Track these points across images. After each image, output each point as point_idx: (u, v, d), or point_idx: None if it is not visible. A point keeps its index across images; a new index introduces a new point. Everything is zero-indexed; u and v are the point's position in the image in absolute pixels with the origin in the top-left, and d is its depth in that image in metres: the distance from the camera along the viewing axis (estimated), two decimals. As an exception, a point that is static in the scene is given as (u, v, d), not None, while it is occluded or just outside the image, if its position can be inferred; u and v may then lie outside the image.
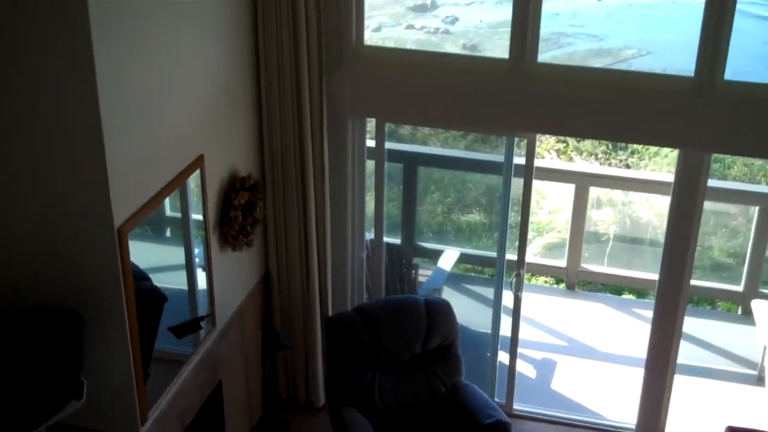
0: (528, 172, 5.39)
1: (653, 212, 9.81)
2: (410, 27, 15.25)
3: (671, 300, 5.33)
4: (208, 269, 4.75)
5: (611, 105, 4.97)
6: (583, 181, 7.42)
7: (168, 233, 4.74)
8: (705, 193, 5.08)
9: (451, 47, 15.51)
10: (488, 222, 9.43)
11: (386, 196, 5.81)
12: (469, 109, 5.23)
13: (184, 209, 4.50)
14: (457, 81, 5.18)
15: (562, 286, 8.01)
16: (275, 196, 5.36)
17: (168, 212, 4.49)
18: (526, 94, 5.08)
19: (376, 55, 5.41)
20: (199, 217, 4.63)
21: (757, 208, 6.91)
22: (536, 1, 4.93)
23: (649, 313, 5.55)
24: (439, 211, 9.54)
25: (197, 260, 4.70)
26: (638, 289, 8.26)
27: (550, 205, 10.24)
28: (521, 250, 5.60)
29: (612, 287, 8.35)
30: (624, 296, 8.24)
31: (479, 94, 5.15)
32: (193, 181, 4.45)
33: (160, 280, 4.37)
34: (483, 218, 9.46)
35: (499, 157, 5.97)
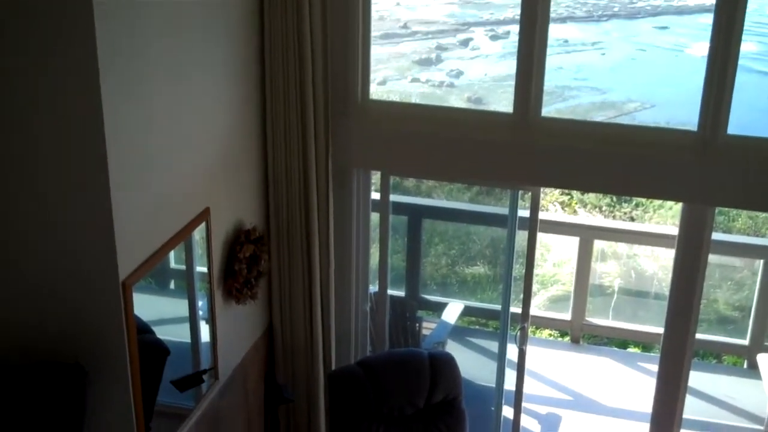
0: (532, 225, 5.39)
1: (658, 265, 9.80)
2: (415, 80, 15.40)
3: (677, 354, 5.30)
4: (211, 322, 4.74)
5: (615, 158, 5.00)
6: (587, 234, 7.43)
7: (172, 285, 4.73)
8: (709, 246, 5.08)
9: (456, 100, 15.64)
10: (493, 274, 9.43)
11: (390, 248, 5.81)
12: (473, 162, 5.25)
13: (189, 262, 4.50)
14: (461, 134, 5.22)
15: (567, 339, 7.97)
16: (280, 249, 5.36)
17: (172, 264, 4.49)
18: (530, 148, 5.11)
19: (381, 109, 5.46)
20: (204, 269, 4.62)
21: (762, 261, 6.90)
22: (540, 56, 4.98)
23: (655, 367, 5.51)
24: (444, 264, 9.55)
25: (201, 313, 4.68)
26: (644, 342, 8.22)
27: (555, 258, 10.25)
28: (526, 303, 5.58)
29: (617, 341, 8.31)
30: (629, 350, 8.19)
31: (483, 147, 5.19)
32: (198, 233, 4.46)
33: (163, 333, 4.35)
34: (487, 270, 9.46)
35: (503, 210, 6.00)
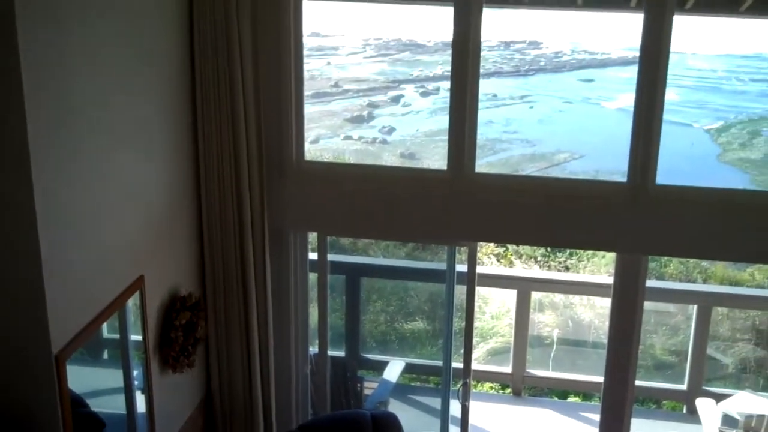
0: (470, 280, 5.41)
1: (594, 313, 9.91)
2: (348, 138, 15.51)
3: (618, 402, 5.33)
4: (148, 392, 4.60)
5: (549, 211, 5.07)
6: (525, 286, 7.48)
7: (105, 355, 4.60)
8: (644, 294, 5.15)
9: (389, 156, 15.76)
10: (432, 329, 9.41)
11: (329, 308, 5.75)
12: (410, 219, 5.27)
13: (123, 331, 4.38)
14: (397, 192, 5.24)
15: (508, 392, 7.96)
16: (217, 314, 5.27)
17: (105, 334, 4.36)
18: (465, 204, 5.16)
19: (316, 169, 5.46)
20: (138, 337, 4.51)
21: (695, 306, 7.02)
22: (472, 113, 5.06)
23: (596, 416, 5.53)
24: (382, 320, 9.51)
25: (136, 383, 4.55)
26: (583, 392, 8.26)
27: (493, 310, 10.29)
28: (467, 359, 5.56)
29: (557, 391, 8.33)
30: (569, 400, 8.21)
31: (419, 204, 5.21)
32: (132, 300, 4.35)
33: (97, 405, 4.21)
34: (426, 325, 9.45)
35: (441, 266, 5.99)
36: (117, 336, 4.40)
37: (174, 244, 4.89)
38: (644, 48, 4.81)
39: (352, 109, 16.12)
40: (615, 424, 5.37)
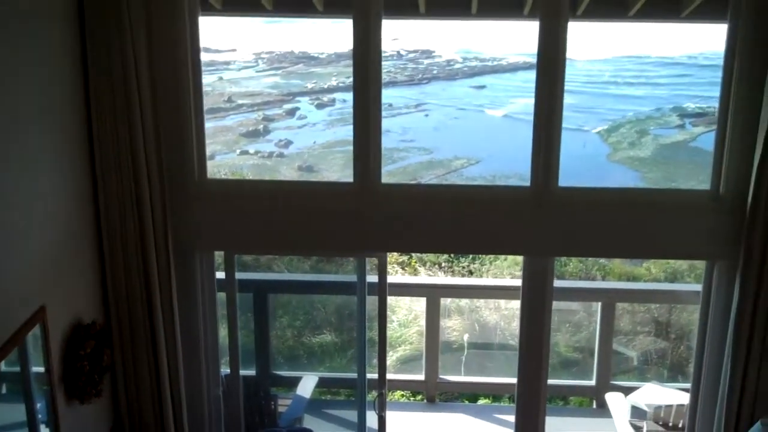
0: (382, 290, 5.40)
1: (499, 315, 10.06)
2: (244, 153, 15.37)
3: (532, 401, 5.41)
4: (54, 426, 4.42)
5: (456, 219, 5.11)
6: (433, 293, 7.51)
7: (4, 389, 4.38)
8: (552, 294, 5.25)
9: (287, 170, 15.66)
10: (340, 341, 9.38)
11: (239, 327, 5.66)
12: (318, 233, 5.23)
13: (24, 363, 4.18)
14: (304, 207, 5.19)
15: (420, 398, 7.99)
16: (123, 341, 5.10)
17: (3, 367, 4.16)
18: (373, 215, 5.15)
19: (220, 187, 5.37)
20: (41, 369, 4.32)
21: (600, 303, 7.19)
22: (376, 123, 5.05)
23: (508, 417, 5.58)
24: (290, 336, 9.42)
25: (40, 416, 4.36)
26: (494, 393, 8.35)
27: (399, 318, 10.33)
28: (382, 369, 5.55)
29: (467, 395, 8.39)
30: (480, 402, 8.29)
31: (327, 218, 5.18)
32: (34, 332, 4.16)
33: (-1, 442, 4.01)
34: (335, 338, 9.41)
35: (350, 277, 5.96)
36: (17, 369, 4.20)
37: (75, 271, 4.72)
38: (541, 54, 4.89)
39: (247, 123, 15.99)
40: (531, 423, 5.45)
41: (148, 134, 4.85)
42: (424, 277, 10.52)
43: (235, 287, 5.47)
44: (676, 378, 8.78)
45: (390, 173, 11.59)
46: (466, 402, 8.30)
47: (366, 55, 4.97)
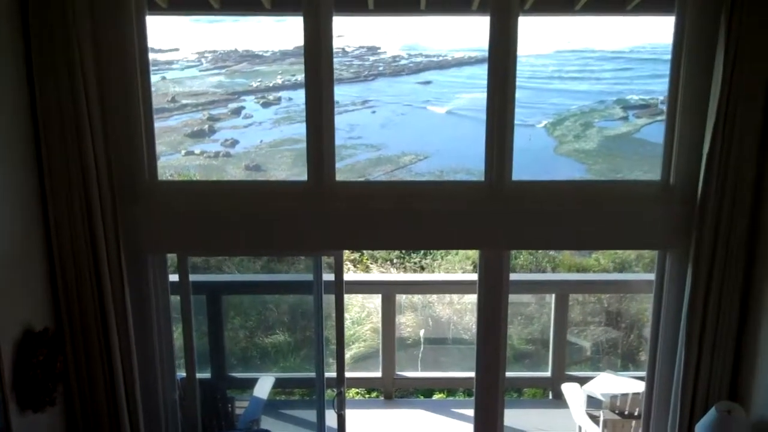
0: (338, 289, 5.37)
1: (452, 310, 10.11)
2: (190, 153, 15.18)
3: (491, 395, 5.43)
4: (7, 436, 4.33)
5: (411, 215, 5.10)
6: (390, 290, 7.51)
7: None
8: (509, 287, 5.28)
9: (234, 170, 15.53)
10: (293, 341, 9.34)
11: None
12: (272, 233, 5.18)
13: (-25, 374, 4.09)
14: (258, 207, 5.14)
15: (374, 395, 7.99)
16: (76, 347, 4.99)
17: (-49, 379, 4.06)
18: (328, 213, 5.12)
19: (171, 188, 5.29)
20: (-7, 380, 4.22)
21: (553, 295, 7.25)
22: (329, 121, 5.04)
23: (465, 411, 5.59)
24: (242, 337, 9.35)
25: (-8, 427, 4.26)
26: (449, 388, 8.38)
27: (353, 315, 10.32)
28: (340, 368, 5.52)
29: (422, 390, 8.41)
30: (435, 397, 8.31)
31: (281, 217, 5.13)
32: (-16, 342, 4.07)
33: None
34: (287, 337, 9.36)
35: (306, 277, 5.93)
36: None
37: (24, 278, 4.60)
38: (492, 50, 4.91)
39: (192, 123, 15.82)
40: (489, 416, 5.47)
41: (97, 136, 4.75)
42: (379, 274, 10.52)
43: (189, 290, 5.40)
44: (628, 367, 8.92)
45: (338, 171, 11.52)
46: (422, 398, 8.32)
47: (317, 53, 4.93)
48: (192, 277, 5.50)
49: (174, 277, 5.45)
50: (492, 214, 5.09)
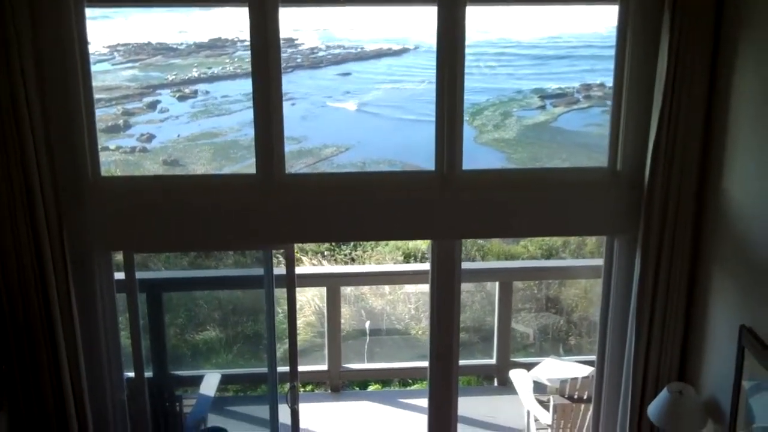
0: (290, 282, 5.34)
1: (384, 301, 10.14)
2: (105, 149, 14.76)
3: (445, 383, 5.47)
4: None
5: (362, 206, 5.10)
6: (333, 282, 7.48)
7: None
8: (460, 276, 5.32)
9: (151, 165, 15.21)
10: (224, 336, 9.21)
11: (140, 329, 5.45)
12: (221, 228, 5.10)
13: None
14: (205, 201, 5.05)
15: (311, 389, 7.96)
16: (21, 350, 4.82)
17: None
18: (277, 206, 5.07)
19: (115, 185, 5.17)
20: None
21: (497, 283, 7.33)
22: (277, 113, 4.99)
23: (411, 401, 5.51)
24: (172, 334, 9.17)
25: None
26: (383, 379, 8.38)
27: (285, 309, 10.23)
28: (293, 362, 5.47)
29: (357, 382, 8.37)
30: (370, 389, 8.30)
31: (230, 211, 5.06)
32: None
33: None
34: (219, 333, 9.23)
35: (257, 271, 5.86)
36: None
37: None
38: (440, 40, 4.93)
39: (106, 119, 15.40)
40: (445, 405, 5.52)
41: (38, 133, 4.61)
42: (326, 267, 10.47)
43: (136, 288, 5.28)
44: (571, 351, 9.09)
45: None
46: (357, 389, 8.30)
47: (264, 43, 4.89)
48: (137, 275, 5.37)
49: (119, 276, 5.31)
50: (444, 203, 5.12)
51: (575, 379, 6.17)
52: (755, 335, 4.24)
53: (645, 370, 5.10)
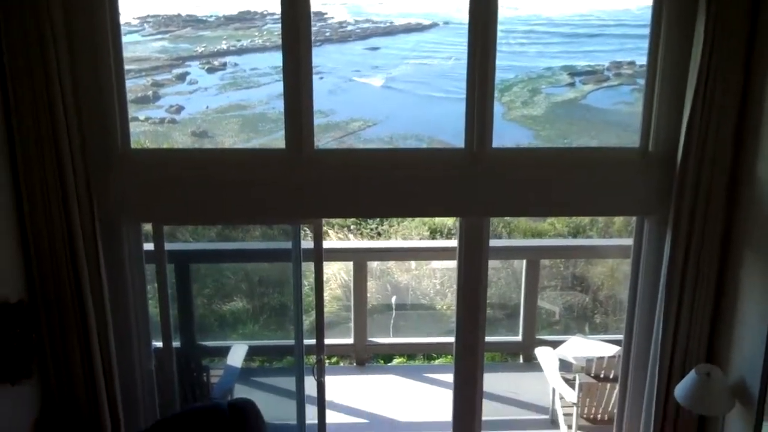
0: (318, 257, 5.36)
1: (410, 276, 10.14)
2: (134, 119, 14.83)
3: (470, 360, 5.48)
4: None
5: (391, 182, 5.09)
6: (360, 257, 7.49)
7: None
8: (488, 253, 5.30)
9: (180, 136, 15.27)
10: (251, 308, 9.29)
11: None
12: (250, 202, 5.12)
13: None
14: (233, 175, 5.07)
15: (348, 362, 8.00)
16: (50, 319, 4.88)
17: None
18: (306, 181, 5.08)
19: (145, 157, 5.20)
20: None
21: (524, 261, 7.31)
22: (307, 89, 4.98)
23: (435, 375, 5.50)
24: (199, 304, 9.25)
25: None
26: (408, 353, 8.41)
27: (312, 282, 10.27)
28: (319, 336, 5.50)
29: (383, 356, 8.42)
30: (394, 363, 8.33)
31: (259, 185, 5.08)
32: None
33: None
34: (246, 304, 9.30)
35: (285, 245, 5.88)
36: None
37: (-3, 250, 4.48)
38: (472, 15, 4.88)
39: (136, 90, 15.44)
40: (470, 381, 5.53)
41: (68, 104, 4.63)
42: (353, 242, 10.49)
43: (164, 259, 5.32)
44: (596, 330, 9.07)
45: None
46: (382, 363, 8.35)
47: (295, 16, 4.86)
48: (166, 246, 5.41)
49: (148, 246, 5.35)
50: (473, 181, 5.10)
51: (601, 358, 6.15)
52: (786, 319, 4.20)
53: (673, 351, 5.08)
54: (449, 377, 5.78)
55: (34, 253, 4.78)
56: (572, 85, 15.73)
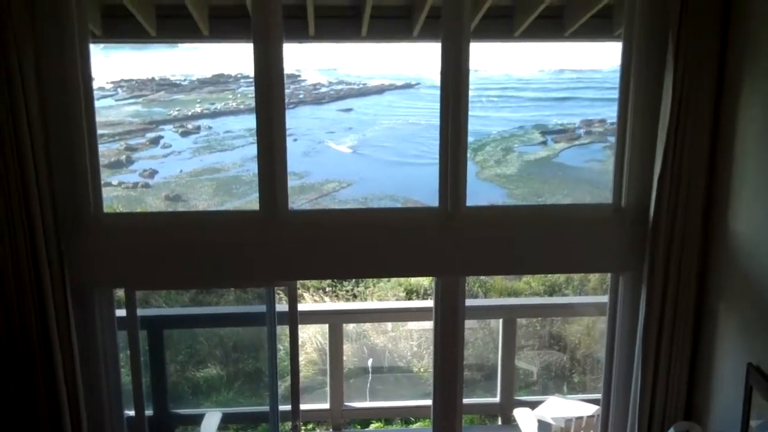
0: (292, 319, 5.30)
1: (386, 338, 10.07)
2: (107, 184, 14.81)
3: (448, 424, 5.41)
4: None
5: (367, 243, 5.06)
6: (336, 319, 7.41)
7: None
8: (464, 313, 5.27)
9: (154, 200, 15.23)
10: (225, 374, 9.16)
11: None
12: (224, 265, 5.06)
13: None
14: (207, 238, 5.02)
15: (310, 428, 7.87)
16: (19, 390, 4.76)
17: None
18: (280, 242, 5.03)
19: (118, 221, 5.16)
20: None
21: (501, 320, 7.26)
22: (281, 150, 4.97)
23: None
24: (172, 371, 9.11)
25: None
26: (385, 417, 8.29)
27: (287, 346, 10.17)
28: (295, 400, 5.42)
29: (360, 421, 8.29)
30: (371, 428, 8.22)
31: (233, 248, 5.02)
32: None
33: None
34: (219, 371, 9.17)
35: (259, 308, 5.82)
36: None
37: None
38: (444, 75, 4.93)
39: (109, 154, 15.47)
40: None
41: (40, 169, 4.58)
42: (327, 304, 10.42)
43: (137, 325, 5.23)
44: (575, 389, 9.01)
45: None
46: (359, 428, 8.22)
47: (268, 80, 4.89)
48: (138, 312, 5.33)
49: (120, 312, 5.27)
50: (448, 240, 5.09)
51: (580, 417, 6.09)
52: (763, 374, 4.19)
53: (651, 408, 5.04)
54: (428, 441, 5.70)
55: (3, 320, 4.68)
56: (544, 143, 15.98)
